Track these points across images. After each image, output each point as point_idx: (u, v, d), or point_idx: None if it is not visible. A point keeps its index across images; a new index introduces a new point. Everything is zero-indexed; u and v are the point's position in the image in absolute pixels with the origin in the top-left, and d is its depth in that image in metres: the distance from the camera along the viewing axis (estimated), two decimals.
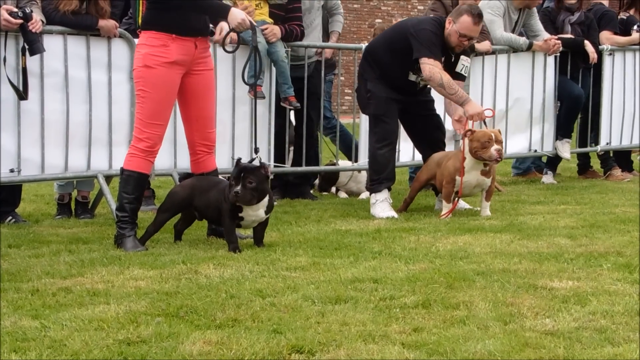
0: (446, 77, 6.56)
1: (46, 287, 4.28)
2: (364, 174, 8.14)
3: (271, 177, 6.65)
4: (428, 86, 6.90)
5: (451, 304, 3.95)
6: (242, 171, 5.18)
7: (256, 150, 6.12)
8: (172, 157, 6.89)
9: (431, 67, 6.55)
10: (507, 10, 8.47)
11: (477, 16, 6.61)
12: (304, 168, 7.85)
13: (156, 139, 5.52)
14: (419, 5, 27.12)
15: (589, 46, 8.79)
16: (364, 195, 8.01)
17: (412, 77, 6.81)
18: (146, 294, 4.13)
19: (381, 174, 6.84)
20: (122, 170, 5.57)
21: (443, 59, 6.69)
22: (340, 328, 3.58)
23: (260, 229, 5.46)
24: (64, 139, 6.54)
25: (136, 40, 6.49)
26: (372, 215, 6.73)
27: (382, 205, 6.75)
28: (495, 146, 6.41)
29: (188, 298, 4.05)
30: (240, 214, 5.28)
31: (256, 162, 5.47)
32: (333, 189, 8.37)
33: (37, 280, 4.42)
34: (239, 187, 5.14)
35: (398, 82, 6.84)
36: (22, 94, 6.18)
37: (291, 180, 8.02)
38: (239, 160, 5.37)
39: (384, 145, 6.84)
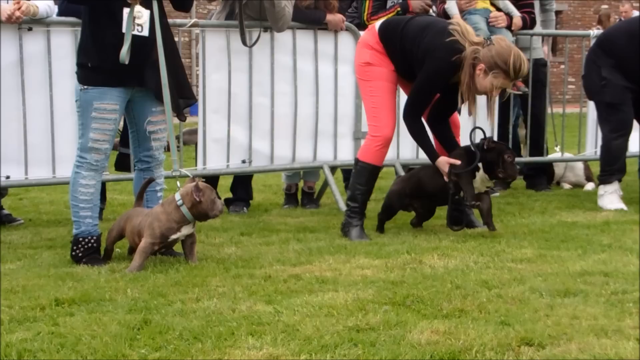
0: None
1: (277, 273, 4.45)
2: (580, 163, 7.88)
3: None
4: None
5: None
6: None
7: None
8: (394, 148, 6.91)
9: None
10: None
11: None
12: (527, 159, 7.71)
13: (390, 128, 5.57)
14: None
15: None
16: (589, 186, 7.75)
17: None
18: (372, 283, 4.21)
19: (613, 165, 6.59)
20: (357, 161, 5.68)
21: None
22: (570, 321, 3.49)
23: None
24: (292, 131, 6.78)
25: (361, 33, 6.62)
26: (600, 206, 6.51)
27: (611, 197, 6.51)
28: None
29: (414, 287, 4.08)
30: None
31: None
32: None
33: (268, 267, 4.60)
34: None
35: (636, 74, 6.52)
36: (245, 40, 6.37)
37: (525, 172, 7.90)
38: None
39: (619, 135, 6.58)
